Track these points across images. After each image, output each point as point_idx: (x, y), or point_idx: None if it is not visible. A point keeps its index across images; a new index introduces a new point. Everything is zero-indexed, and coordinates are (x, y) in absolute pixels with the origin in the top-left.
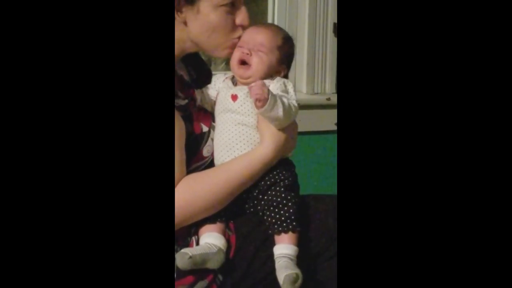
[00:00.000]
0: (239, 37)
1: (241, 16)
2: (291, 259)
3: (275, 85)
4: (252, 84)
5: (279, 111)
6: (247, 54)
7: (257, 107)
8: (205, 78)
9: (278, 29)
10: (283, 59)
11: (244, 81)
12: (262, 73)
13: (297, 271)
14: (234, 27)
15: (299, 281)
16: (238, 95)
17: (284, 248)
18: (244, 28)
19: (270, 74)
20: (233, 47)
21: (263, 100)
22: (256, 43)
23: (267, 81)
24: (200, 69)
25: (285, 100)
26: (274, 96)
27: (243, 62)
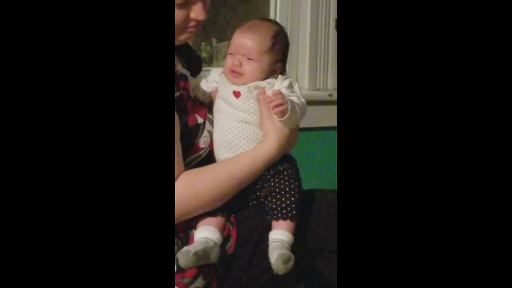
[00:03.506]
0: (194, 26)
1: (196, 11)
2: (285, 245)
3: (280, 85)
4: (269, 94)
5: (297, 117)
6: (237, 65)
7: (278, 117)
8: (196, 66)
9: (265, 28)
10: (277, 59)
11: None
12: (255, 79)
13: (291, 253)
14: (187, 20)
15: (291, 262)
16: (241, 92)
17: (280, 234)
18: (199, 22)
19: (266, 76)
20: (188, 33)
21: (284, 111)
22: (245, 50)
23: (270, 80)
24: (190, 58)
25: (296, 101)
26: (291, 103)
27: (234, 71)
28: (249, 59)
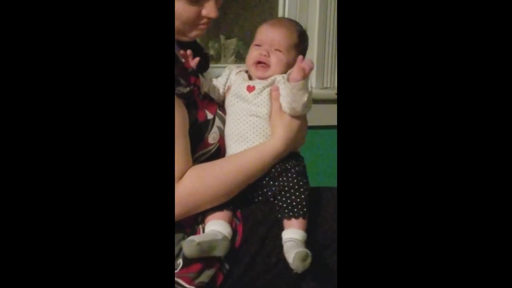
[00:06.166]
0: (205, 23)
1: (208, 8)
2: (299, 243)
3: None
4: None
5: (305, 96)
6: (265, 55)
7: (293, 79)
8: (204, 64)
9: (293, 25)
10: (299, 55)
11: (260, 80)
12: (280, 72)
13: (307, 250)
14: (199, 17)
15: (309, 260)
16: (256, 87)
17: (293, 233)
18: (210, 19)
19: (287, 71)
20: (198, 30)
21: (304, 76)
22: (273, 42)
23: (285, 75)
24: (198, 54)
25: (310, 87)
26: (308, 79)
27: (260, 62)
28: (277, 50)
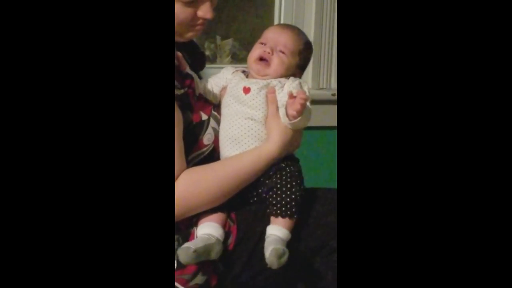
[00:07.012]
0: (200, 24)
1: (204, 9)
2: (280, 240)
3: (290, 84)
4: (296, 95)
5: (307, 122)
6: (269, 53)
7: (294, 117)
8: (200, 63)
9: (301, 33)
10: (301, 64)
11: (259, 77)
12: (279, 74)
13: (285, 249)
14: (194, 18)
15: (285, 257)
16: (251, 88)
17: (276, 230)
18: (206, 20)
19: (286, 76)
20: (194, 31)
21: (299, 114)
22: (279, 43)
23: (282, 79)
24: (194, 54)
25: (308, 105)
26: (308, 108)
27: (262, 59)
28: (281, 52)
